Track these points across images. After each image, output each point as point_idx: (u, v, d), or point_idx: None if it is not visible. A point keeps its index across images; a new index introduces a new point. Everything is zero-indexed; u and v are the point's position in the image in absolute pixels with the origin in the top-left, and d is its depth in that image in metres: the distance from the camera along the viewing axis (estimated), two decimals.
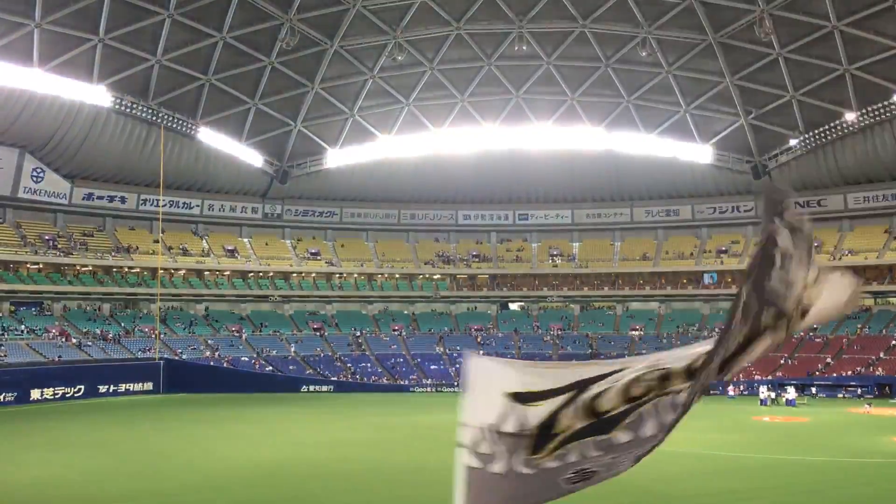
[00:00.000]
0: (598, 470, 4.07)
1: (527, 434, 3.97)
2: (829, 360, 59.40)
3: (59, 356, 53.75)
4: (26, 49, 52.43)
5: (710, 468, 24.86)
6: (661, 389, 3.85)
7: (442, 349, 67.79)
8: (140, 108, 59.63)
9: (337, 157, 72.02)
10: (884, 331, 61.66)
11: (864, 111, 58.68)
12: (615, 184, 73.28)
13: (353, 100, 68.44)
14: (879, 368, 56.24)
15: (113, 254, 65.06)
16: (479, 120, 70.55)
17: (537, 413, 3.99)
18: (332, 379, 60.83)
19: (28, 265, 60.83)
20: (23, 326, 56.94)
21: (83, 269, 63.47)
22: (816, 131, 62.21)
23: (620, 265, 73.84)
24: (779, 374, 58.21)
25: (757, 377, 57.70)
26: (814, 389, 53.59)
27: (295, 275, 72.59)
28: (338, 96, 67.82)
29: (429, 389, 60.61)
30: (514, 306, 77.37)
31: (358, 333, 69.60)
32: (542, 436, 3.96)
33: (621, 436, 3.96)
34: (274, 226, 75.40)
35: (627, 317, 72.86)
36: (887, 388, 52.87)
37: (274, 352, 64.32)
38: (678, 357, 3.91)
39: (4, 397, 45.54)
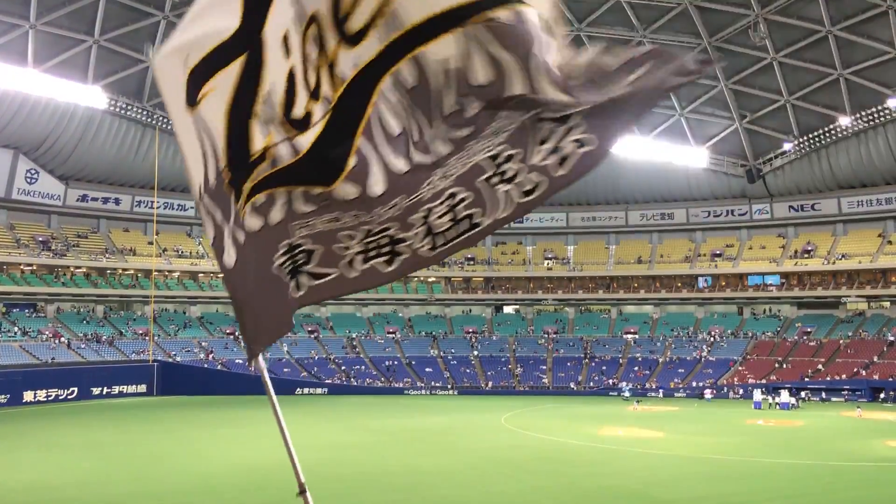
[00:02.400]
0: (316, 250, 2.74)
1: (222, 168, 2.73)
2: (820, 365, 59.45)
3: (53, 358, 53.58)
4: (21, 50, 52.31)
5: (704, 471, 24.89)
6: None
7: (436, 352, 67.73)
8: (135, 109, 59.51)
9: None
10: (879, 335, 61.78)
11: (857, 115, 58.88)
12: (610, 187, 73.28)
13: None
14: (865, 371, 56.34)
15: (107, 255, 64.87)
16: None
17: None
18: (327, 382, 60.73)
19: (22, 266, 60.60)
20: (16, 328, 56.74)
21: (77, 270, 63.27)
22: (811, 135, 62.41)
23: (615, 268, 73.92)
24: (773, 377, 58.33)
25: (751, 381, 57.85)
26: (803, 394, 53.51)
27: None
28: None
29: (423, 392, 60.56)
30: (508, 309, 77.38)
31: (352, 336, 69.51)
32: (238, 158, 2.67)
33: (347, 188, 2.58)
34: None
35: (622, 320, 72.94)
36: (881, 391, 53.00)
37: (268, 354, 64.07)
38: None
39: None
